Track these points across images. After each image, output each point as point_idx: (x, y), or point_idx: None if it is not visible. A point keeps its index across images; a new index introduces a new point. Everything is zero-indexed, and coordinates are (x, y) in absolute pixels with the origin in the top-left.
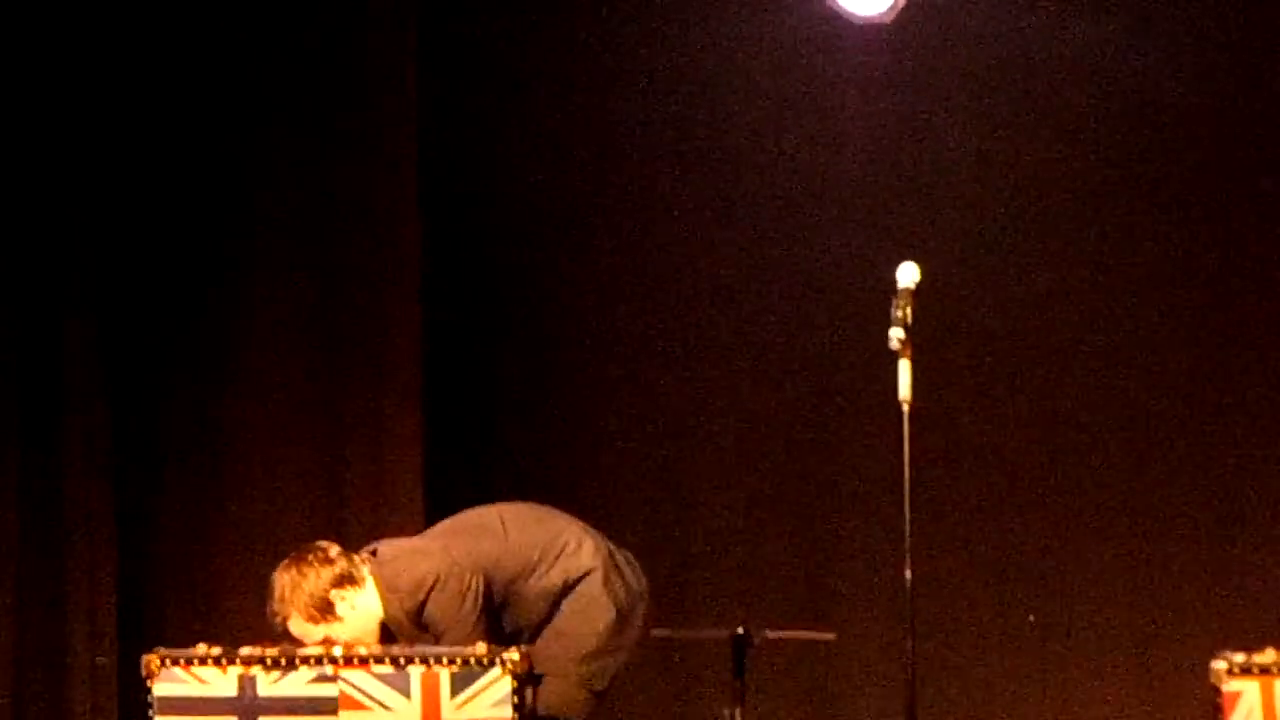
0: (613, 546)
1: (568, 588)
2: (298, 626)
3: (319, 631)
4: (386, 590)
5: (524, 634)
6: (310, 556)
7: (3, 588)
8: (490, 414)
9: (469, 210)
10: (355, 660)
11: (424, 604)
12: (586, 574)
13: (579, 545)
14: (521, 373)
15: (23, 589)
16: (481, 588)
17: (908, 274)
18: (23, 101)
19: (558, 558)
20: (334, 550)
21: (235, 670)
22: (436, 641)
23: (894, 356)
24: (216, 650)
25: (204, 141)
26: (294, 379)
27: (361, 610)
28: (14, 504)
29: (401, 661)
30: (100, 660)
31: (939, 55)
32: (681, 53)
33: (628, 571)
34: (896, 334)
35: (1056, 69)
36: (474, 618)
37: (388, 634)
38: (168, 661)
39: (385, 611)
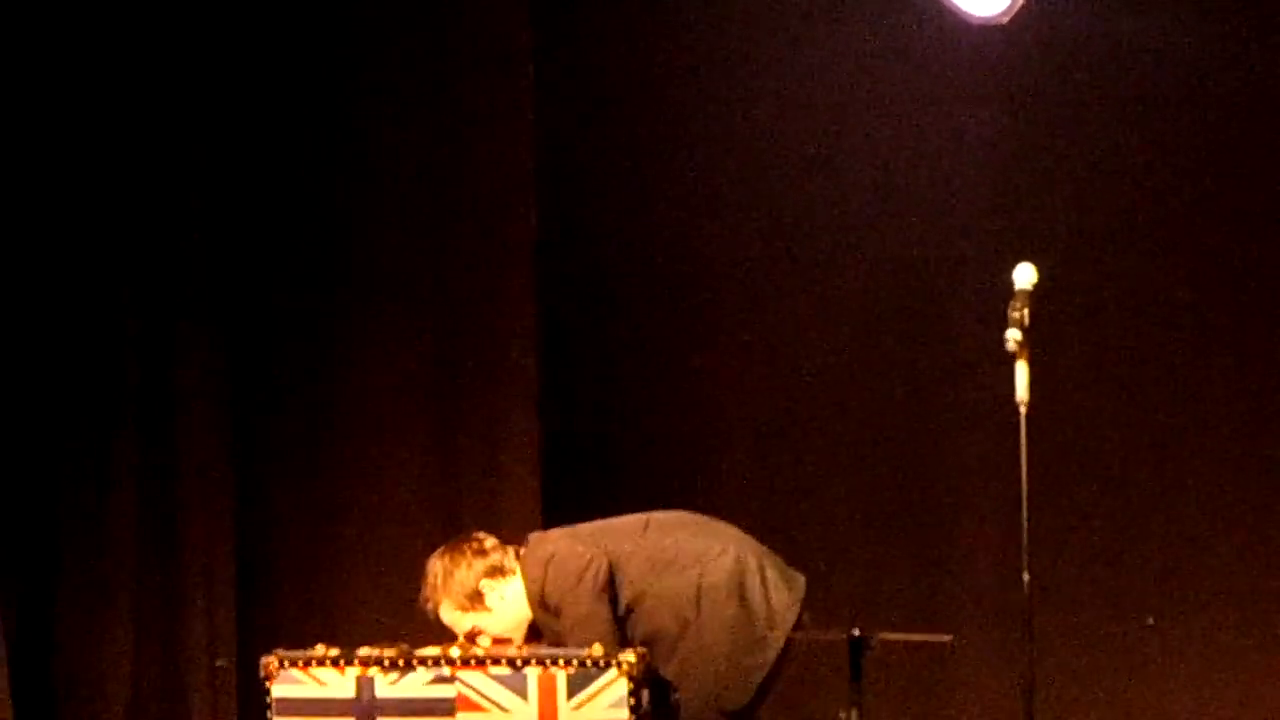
0: (768, 562)
1: (701, 596)
2: (448, 614)
3: (468, 620)
4: (524, 574)
5: (658, 644)
6: (465, 546)
7: (121, 590)
8: (605, 411)
9: (584, 210)
10: (472, 662)
11: (544, 585)
12: (721, 585)
13: (721, 554)
14: (637, 374)
15: (141, 592)
16: (604, 571)
17: (1025, 275)
18: (149, 98)
19: (694, 563)
20: (489, 541)
21: (353, 671)
22: (557, 621)
23: (1011, 358)
24: (334, 651)
25: (321, 145)
26: (410, 379)
27: (511, 601)
28: (132, 507)
29: (518, 663)
30: (220, 663)
31: (1056, 55)
32: (800, 55)
33: (776, 589)
34: (1013, 335)
35: (1177, 69)
36: (591, 597)
37: (535, 630)
38: (286, 663)
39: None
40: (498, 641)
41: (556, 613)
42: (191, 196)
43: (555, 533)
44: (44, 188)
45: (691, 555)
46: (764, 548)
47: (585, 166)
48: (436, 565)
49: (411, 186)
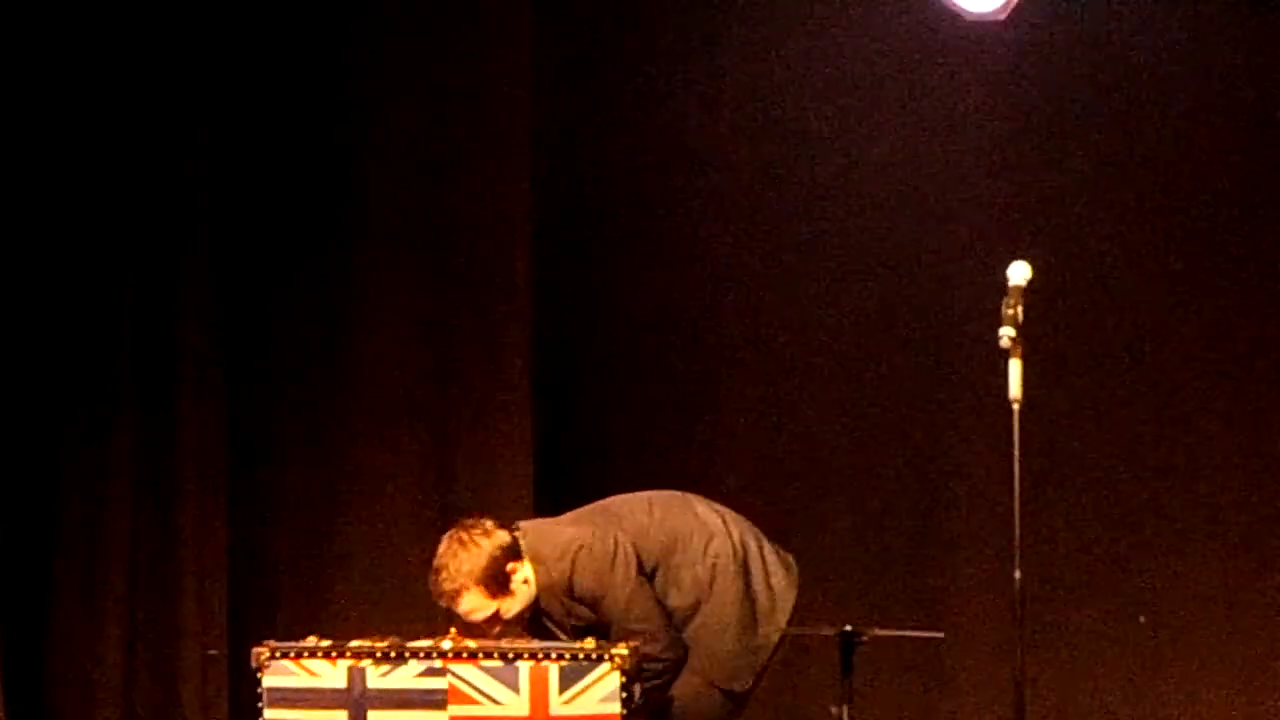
0: (764, 543)
1: (715, 575)
2: (471, 601)
3: (492, 607)
4: (533, 561)
5: (673, 619)
6: (474, 531)
7: (115, 578)
8: (599, 401)
9: (581, 199)
10: (464, 654)
11: (572, 576)
12: (729, 565)
13: (726, 534)
14: (632, 367)
15: (135, 580)
16: (632, 553)
17: (1019, 272)
18: (146, 83)
19: (703, 541)
20: (489, 522)
21: (345, 663)
22: (595, 616)
23: (1005, 355)
24: (326, 643)
25: (320, 126)
26: (406, 371)
27: (529, 585)
28: (128, 495)
29: (510, 656)
30: (211, 652)
31: (1052, 52)
32: (795, 52)
33: (775, 571)
34: (1007, 332)
35: (1174, 65)
36: (632, 579)
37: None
38: (278, 654)
39: (536, 583)
40: (508, 625)
41: (594, 603)
42: (194, 183)
43: (558, 522)
44: (40, 164)
45: (700, 534)
46: (755, 528)
47: (582, 151)
48: (455, 552)
49: (408, 174)
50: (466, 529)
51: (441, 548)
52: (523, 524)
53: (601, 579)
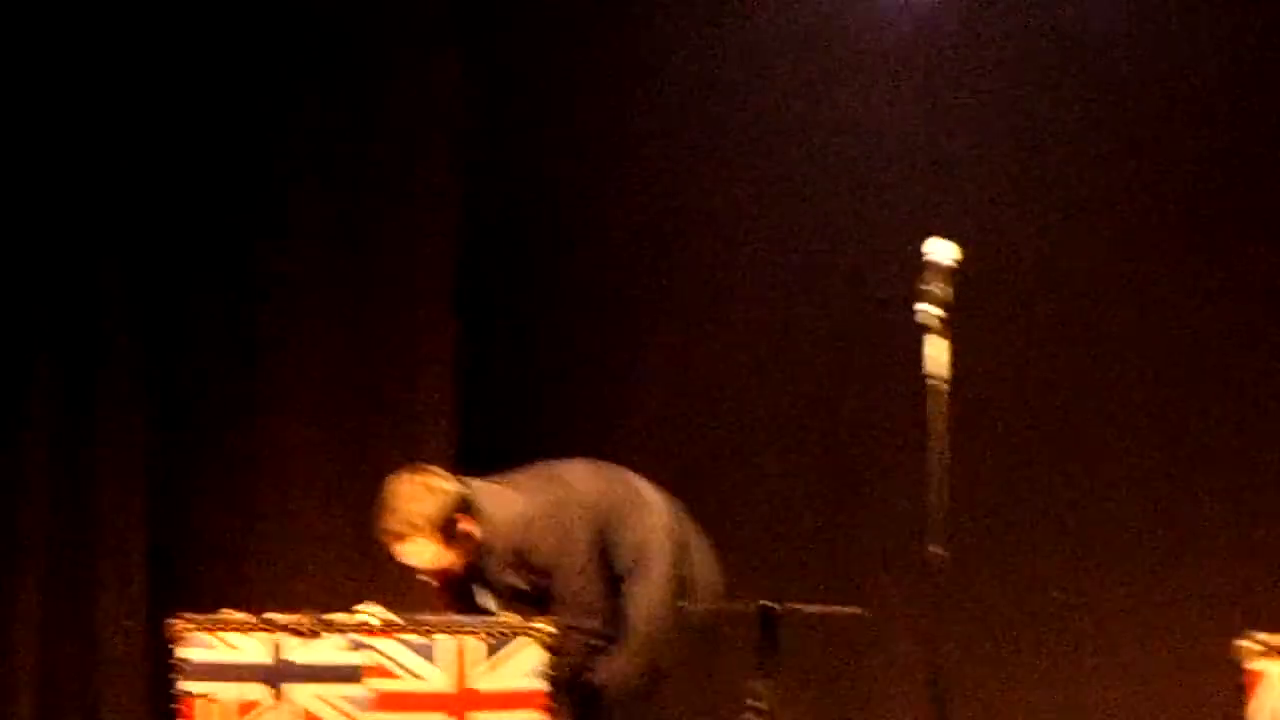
0: (692, 526)
1: (649, 555)
2: (420, 547)
3: (439, 556)
4: (481, 520)
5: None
6: (433, 477)
7: (32, 556)
8: (521, 377)
9: (506, 191)
10: (384, 629)
11: (527, 545)
12: (662, 542)
13: (663, 510)
14: (553, 348)
15: (51, 570)
16: (587, 526)
17: (944, 251)
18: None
19: (646, 518)
20: (442, 471)
21: (263, 636)
22: (549, 585)
23: (928, 332)
24: (244, 616)
25: (239, 124)
26: (328, 354)
27: (473, 541)
28: (45, 471)
29: (431, 631)
30: (126, 624)
31: (979, 30)
32: (718, 32)
33: (706, 554)
34: (926, 308)
35: (1102, 47)
36: (584, 555)
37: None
38: (193, 626)
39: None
40: (448, 578)
41: (545, 572)
42: (113, 176)
43: (507, 483)
44: None
45: (640, 508)
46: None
47: (506, 138)
48: (421, 495)
49: (331, 165)
50: (424, 472)
51: (398, 488)
52: (467, 480)
53: (556, 552)
